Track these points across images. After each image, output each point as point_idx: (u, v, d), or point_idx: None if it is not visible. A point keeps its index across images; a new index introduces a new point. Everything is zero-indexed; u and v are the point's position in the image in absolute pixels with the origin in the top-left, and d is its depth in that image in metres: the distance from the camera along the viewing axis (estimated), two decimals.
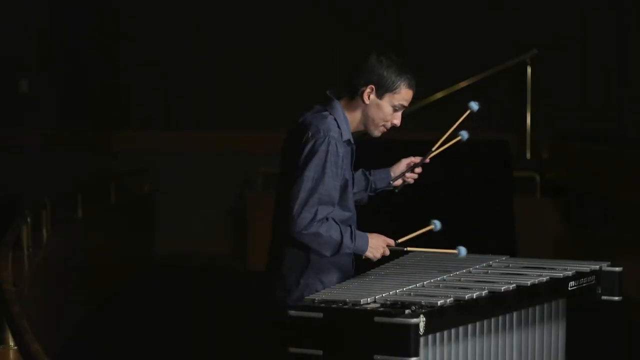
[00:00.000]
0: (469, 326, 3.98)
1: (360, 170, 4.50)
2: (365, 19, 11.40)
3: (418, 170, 4.48)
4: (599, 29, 11.10)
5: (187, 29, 11.76)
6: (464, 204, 9.67)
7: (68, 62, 11.82)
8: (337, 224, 4.05)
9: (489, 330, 4.10)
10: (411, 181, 4.47)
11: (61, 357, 7.17)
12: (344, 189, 4.12)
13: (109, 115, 11.89)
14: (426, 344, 3.75)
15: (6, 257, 5.84)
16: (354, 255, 4.24)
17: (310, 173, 4.01)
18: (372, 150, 10.83)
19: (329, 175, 4.02)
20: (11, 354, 4.50)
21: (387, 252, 4.19)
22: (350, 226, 4.12)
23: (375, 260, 4.19)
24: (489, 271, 4.39)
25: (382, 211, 9.48)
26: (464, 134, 4.43)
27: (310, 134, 4.05)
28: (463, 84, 10.96)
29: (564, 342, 4.59)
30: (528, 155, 10.97)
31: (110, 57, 11.91)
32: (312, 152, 4.02)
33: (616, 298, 4.63)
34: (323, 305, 3.73)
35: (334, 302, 3.74)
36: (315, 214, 3.98)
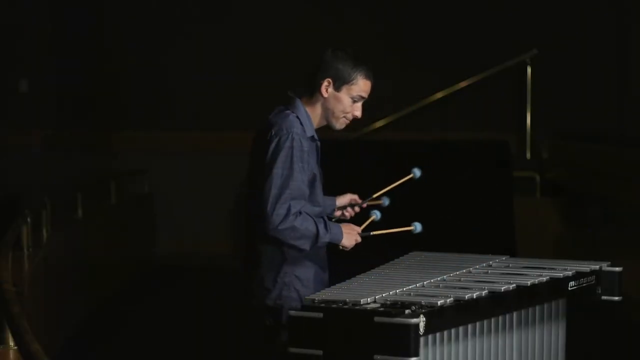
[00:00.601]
0: (469, 326, 3.98)
1: None
2: (365, 19, 11.39)
3: (357, 209, 4.46)
4: (599, 29, 11.10)
5: (187, 29, 11.76)
6: (464, 204, 9.68)
7: (68, 62, 11.82)
8: (311, 216, 4.10)
9: (489, 330, 4.10)
10: (348, 217, 4.46)
11: (61, 357, 7.17)
12: (312, 183, 4.17)
13: (109, 115, 11.89)
14: (426, 344, 3.75)
15: (6, 257, 5.83)
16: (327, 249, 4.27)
17: (279, 170, 4.08)
18: (372, 151, 10.87)
19: (296, 170, 4.09)
20: (11, 354, 4.50)
21: (359, 239, 4.23)
22: (323, 217, 4.17)
23: (349, 248, 4.20)
24: (489, 271, 4.39)
25: (382, 211, 9.49)
26: (417, 172, 4.43)
27: (273, 132, 4.13)
28: (463, 84, 10.96)
29: (564, 342, 4.59)
30: (528, 155, 10.97)
31: (110, 57, 11.91)
32: (278, 150, 4.09)
33: (616, 298, 4.63)
34: (323, 305, 3.73)
35: (334, 302, 3.75)
36: (289, 209, 4.04)
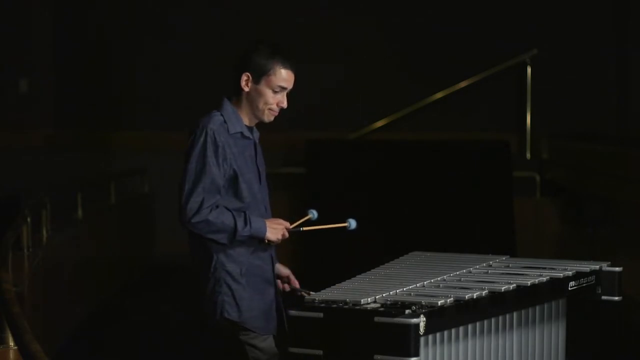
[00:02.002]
0: (469, 326, 3.98)
1: None
2: (365, 19, 11.39)
3: (287, 287, 4.43)
4: (598, 29, 11.10)
5: (187, 29, 11.76)
6: (464, 204, 9.69)
7: (68, 62, 11.82)
8: (229, 210, 4.13)
9: (489, 330, 4.10)
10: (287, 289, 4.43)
11: (61, 357, 7.17)
12: (234, 179, 4.18)
13: (109, 115, 11.88)
14: (426, 344, 3.75)
15: (6, 257, 5.83)
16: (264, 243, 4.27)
17: (192, 165, 4.17)
18: (372, 151, 10.86)
19: (210, 165, 4.15)
20: (11, 354, 4.50)
21: (287, 235, 4.24)
22: (245, 212, 4.17)
23: (277, 243, 4.22)
24: (489, 271, 4.39)
25: (382, 211, 9.50)
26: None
27: (192, 131, 4.23)
28: (463, 84, 10.96)
29: (564, 342, 4.59)
30: (528, 155, 10.97)
31: (110, 57, 11.91)
32: (192, 145, 4.18)
33: (616, 298, 4.63)
34: (323, 305, 3.73)
35: (334, 302, 3.74)
36: (202, 202, 4.12)
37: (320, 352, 3.67)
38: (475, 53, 11.04)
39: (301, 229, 4.30)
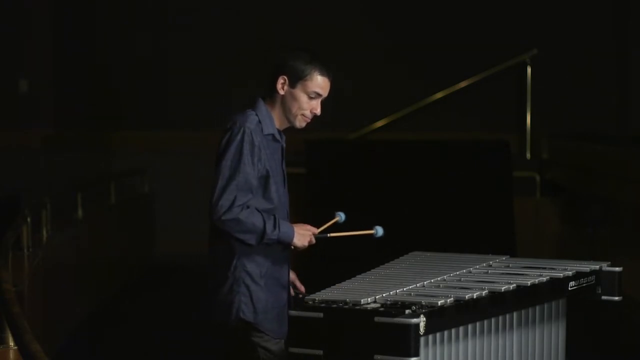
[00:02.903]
0: (469, 326, 3.98)
1: None
2: (365, 19, 11.39)
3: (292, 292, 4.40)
4: (599, 29, 11.10)
5: (187, 29, 11.76)
6: (464, 204, 9.68)
7: (68, 62, 11.82)
8: (260, 212, 4.12)
9: (489, 330, 4.10)
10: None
11: (61, 357, 7.17)
12: (265, 180, 4.18)
13: (108, 115, 11.88)
14: (426, 344, 3.75)
15: (6, 257, 5.83)
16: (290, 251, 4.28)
17: (227, 162, 4.15)
18: (372, 151, 10.85)
19: (245, 163, 4.14)
20: (11, 354, 4.50)
21: (313, 241, 4.23)
22: (274, 215, 4.17)
23: (302, 249, 4.21)
24: (489, 271, 4.39)
25: (382, 211, 9.50)
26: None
27: (228, 127, 4.21)
28: (463, 84, 10.95)
29: (564, 342, 4.59)
30: (528, 155, 10.97)
31: (110, 57, 11.91)
32: (229, 143, 4.17)
33: (616, 298, 4.63)
34: (323, 305, 3.73)
35: (334, 302, 3.74)
36: (234, 200, 4.10)
37: (320, 352, 3.67)
38: (475, 53, 11.04)
39: (328, 235, 4.27)
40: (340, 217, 4.40)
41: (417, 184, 9.92)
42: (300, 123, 4.28)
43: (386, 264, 4.48)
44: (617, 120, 11.06)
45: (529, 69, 10.90)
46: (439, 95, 10.97)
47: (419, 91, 10.96)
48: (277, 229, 4.13)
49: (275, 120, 4.27)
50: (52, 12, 11.84)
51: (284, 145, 4.33)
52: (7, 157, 11.40)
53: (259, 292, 4.16)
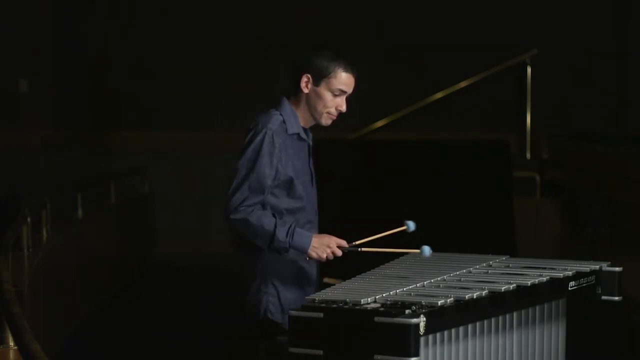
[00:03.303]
0: (469, 326, 3.98)
1: None
2: (365, 19, 11.40)
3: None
4: (599, 29, 11.10)
5: (187, 29, 11.76)
6: (464, 204, 9.68)
7: (68, 62, 11.82)
8: (274, 216, 4.11)
9: (489, 330, 4.10)
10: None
11: (61, 357, 7.17)
12: (289, 180, 4.16)
13: (108, 115, 11.89)
14: (426, 344, 3.75)
15: (6, 257, 5.84)
16: (318, 264, 4.26)
17: (244, 162, 4.15)
18: (372, 151, 10.87)
19: (261, 164, 4.12)
20: (11, 354, 4.50)
21: (338, 253, 4.13)
22: (292, 223, 4.12)
23: (322, 261, 4.15)
24: (489, 271, 4.39)
25: (382, 211, 9.49)
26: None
27: (250, 127, 4.20)
28: (463, 84, 10.96)
29: (564, 342, 4.59)
30: (528, 155, 10.97)
31: (110, 57, 11.91)
32: (249, 143, 4.17)
33: (616, 298, 4.63)
34: (323, 305, 3.73)
35: (334, 302, 3.74)
36: (244, 200, 4.09)
37: (320, 352, 3.67)
38: (475, 53, 11.04)
39: (359, 249, 4.15)
40: (409, 226, 4.28)
41: (417, 184, 9.91)
42: (325, 121, 4.26)
43: (386, 264, 4.48)
44: (617, 120, 11.06)
45: (529, 69, 10.90)
46: (439, 95, 10.97)
47: (419, 91, 10.96)
48: (289, 236, 4.08)
49: (301, 118, 4.25)
50: (52, 12, 11.84)
51: (311, 143, 4.32)
52: (7, 157, 11.40)
53: (287, 293, 4.15)
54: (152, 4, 11.87)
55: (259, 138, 4.14)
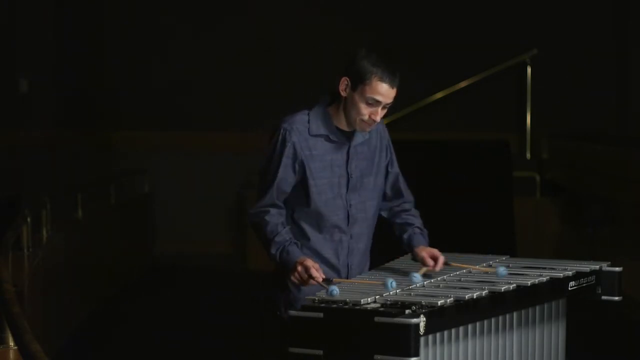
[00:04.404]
0: (469, 326, 3.98)
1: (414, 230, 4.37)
2: (365, 19, 11.40)
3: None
4: (599, 29, 11.11)
5: (187, 29, 11.76)
6: (464, 204, 9.68)
7: (68, 62, 11.82)
8: (283, 224, 4.07)
9: (489, 330, 4.10)
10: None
11: (61, 357, 7.17)
12: (303, 180, 4.09)
13: (108, 116, 11.89)
14: (426, 344, 3.75)
15: (6, 257, 5.84)
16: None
17: (262, 164, 4.14)
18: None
19: (274, 165, 4.09)
20: (11, 354, 4.50)
21: (312, 283, 3.96)
22: (287, 244, 4.02)
23: (299, 284, 4.03)
24: (489, 271, 4.39)
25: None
26: (502, 271, 4.15)
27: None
28: (463, 84, 10.96)
29: (564, 342, 4.59)
30: (528, 155, 10.97)
31: (110, 57, 11.91)
32: (269, 144, 4.14)
33: (616, 298, 4.63)
34: (323, 305, 3.73)
35: (334, 302, 3.74)
36: (258, 202, 4.10)
37: (320, 352, 3.67)
38: (475, 53, 11.04)
39: (332, 280, 3.98)
40: (388, 286, 3.88)
41: (416, 184, 9.91)
42: (360, 128, 4.10)
43: (386, 264, 4.48)
44: (617, 120, 11.06)
45: (529, 69, 10.91)
46: (439, 95, 10.98)
47: (419, 91, 10.96)
48: (278, 253, 4.02)
49: (340, 121, 4.12)
50: (52, 12, 11.84)
51: (356, 145, 4.16)
52: (7, 157, 11.40)
53: (298, 294, 4.11)
54: (153, 4, 11.87)
55: (274, 138, 4.11)
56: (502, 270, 4.16)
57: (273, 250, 4.06)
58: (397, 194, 4.41)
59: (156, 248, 11.33)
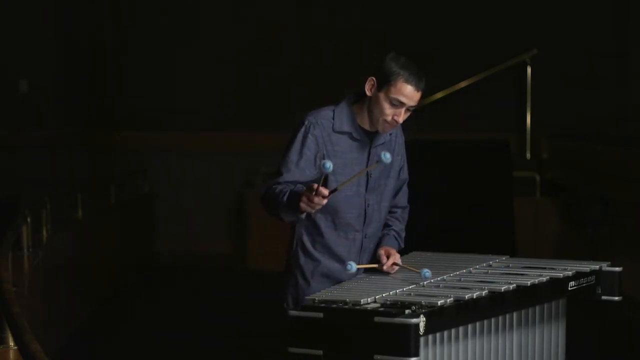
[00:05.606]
0: (469, 326, 3.98)
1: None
2: (365, 19, 11.40)
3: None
4: (599, 29, 11.10)
5: (187, 29, 11.77)
6: (464, 204, 9.68)
7: (68, 62, 11.83)
8: (287, 188, 4.06)
9: (489, 330, 4.10)
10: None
11: (61, 357, 7.17)
12: (323, 177, 4.02)
13: (109, 115, 11.89)
14: (426, 344, 3.75)
15: (6, 257, 5.84)
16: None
17: (283, 152, 4.16)
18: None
19: (290, 150, 4.12)
20: (11, 354, 4.51)
21: (320, 202, 3.90)
22: (294, 188, 4.04)
23: (309, 211, 3.98)
24: (489, 271, 4.39)
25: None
26: (426, 273, 4.18)
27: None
28: (463, 84, 10.96)
29: (564, 342, 4.59)
30: (528, 155, 10.97)
31: (110, 57, 11.92)
32: (292, 136, 4.16)
33: (616, 298, 4.63)
34: (323, 305, 3.73)
35: (334, 302, 3.74)
36: (273, 181, 4.11)
37: (320, 352, 3.67)
38: (475, 53, 11.04)
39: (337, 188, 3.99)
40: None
41: (416, 184, 9.91)
42: (382, 128, 4.17)
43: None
44: (617, 120, 11.05)
45: (529, 69, 10.90)
46: (439, 95, 10.98)
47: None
48: (286, 197, 3.98)
49: (364, 120, 4.18)
50: (52, 12, 11.85)
51: (376, 145, 4.21)
52: (7, 157, 11.41)
53: (307, 290, 4.15)
54: (153, 5, 11.87)
55: (297, 128, 4.15)
56: (425, 272, 4.13)
57: (283, 198, 3.99)
58: (395, 197, 4.49)
59: (156, 248, 11.33)
